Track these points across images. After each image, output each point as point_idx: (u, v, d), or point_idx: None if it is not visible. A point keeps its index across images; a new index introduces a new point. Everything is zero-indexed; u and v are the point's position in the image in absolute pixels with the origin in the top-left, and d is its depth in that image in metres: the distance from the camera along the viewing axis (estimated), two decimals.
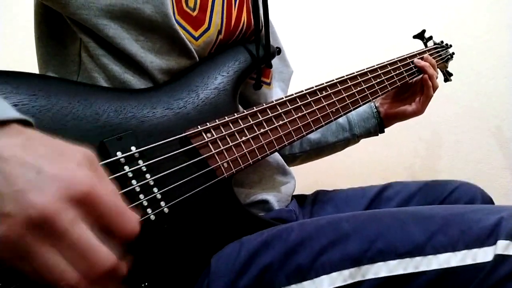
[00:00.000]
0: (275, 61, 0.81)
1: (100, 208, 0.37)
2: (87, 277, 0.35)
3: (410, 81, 0.98)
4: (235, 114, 0.63)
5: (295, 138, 0.69)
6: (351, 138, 1.00)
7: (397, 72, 0.92)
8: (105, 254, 0.36)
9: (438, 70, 1.06)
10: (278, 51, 0.79)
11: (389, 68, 0.91)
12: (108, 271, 0.36)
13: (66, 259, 0.35)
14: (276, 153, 0.78)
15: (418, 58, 0.99)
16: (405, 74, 0.95)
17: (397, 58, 0.95)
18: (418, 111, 0.99)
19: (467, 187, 0.84)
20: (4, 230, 0.33)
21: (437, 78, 1.01)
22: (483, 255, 0.47)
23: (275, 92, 0.87)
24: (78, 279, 0.35)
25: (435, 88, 0.99)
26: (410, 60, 0.97)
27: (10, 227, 0.33)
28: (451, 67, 1.20)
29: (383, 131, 1.02)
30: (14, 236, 0.33)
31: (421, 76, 0.98)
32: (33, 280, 0.35)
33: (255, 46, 0.72)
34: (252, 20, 0.74)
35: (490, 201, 0.83)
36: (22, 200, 0.33)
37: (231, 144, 0.61)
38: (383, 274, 0.49)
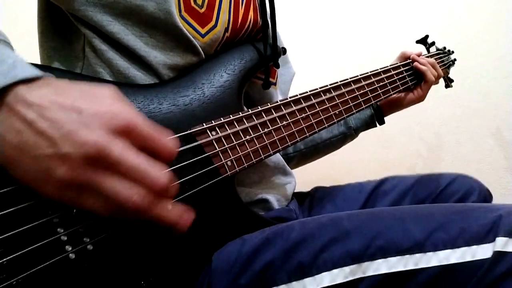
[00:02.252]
0: None
1: (142, 133, 0.40)
2: (150, 193, 0.39)
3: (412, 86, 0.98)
4: (240, 112, 0.63)
5: (298, 139, 0.69)
6: (347, 132, 0.98)
7: (400, 76, 0.93)
8: (161, 170, 0.40)
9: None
10: (284, 50, 0.80)
11: (392, 73, 0.91)
12: (166, 186, 0.40)
13: (128, 183, 0.38)
14: (277, 154, 0.79)
15: (416, 62, 0.99)
16: (407, 79, 0.96)
17: (400, 63, 0.96)
18: (419, 97, 0.99)
19: (464, 179, 0.84)
20: (66, 169, 0.36)
21: (439, 78, 1.02)
22: (482, 252, 0.47)
23: (279, 93, 0.87)
24: (144, 193, 0.39)
25: (434, 76, 1.00)
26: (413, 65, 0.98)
27: (70, 166, 0.36)
28: (452, 67, 1.20)
29: (383, 122, 1.01)
30: (75, 173, 0.37)
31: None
32: (101, 212, 0.39)
33: (262, 45, 0.72)
34: (259, 18, 0.74)
35: (488, 193, 0.83)
36: (74, 140, 0.36)
37: (235, 142, 0.61)
38: (383, 270, 0.49)
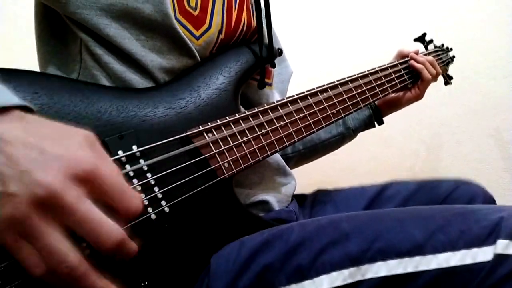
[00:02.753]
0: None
1: (104, 185, 0.37)
2: (95, 252, 0.36)
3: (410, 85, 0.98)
4: (237, 114, 0.63)
5: (295, 139, 0.69)
6: (346, 133, 0.98)
7: (398, 74, 0.93)
8: (113, 227, 0.37)
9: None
10: (280, 52, 0.79)
11: (390, 71, 0.91)
12: (117, 244, 0.37)
13: (69, 241, 0.35)
14: (277, 154, 0.78)
15: (413, 61, 0.98)
16: (405, 77, 0.95)
17: (397, 61, 0.96)
18: (417, 96, 0.99)
19: (468, 185, 0.84)
20: (10, 210, 0.33)
21: (438, 76, 1.02)
22: (483, 254, 0.47)
23: (275, 94, 0.87)
24: (80, 261, 0.36)
25: (432, 74, 1.00)
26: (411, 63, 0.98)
27: (16, 206, 0.33)
28: (452, 66, 1.20)
29: (381, 122, 1.01)
30: (20, 215, 0.34)
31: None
32: (30, 268, 0.35)
33: (257, 47, 0.72)
34: (253, 20, 0.74)
35: (492, 200, 0.83)
36: (27, 179, 0.34)
37: (232, 144, 0.61)
38: (382, 273, 0.49)
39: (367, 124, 1.00)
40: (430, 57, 1.01)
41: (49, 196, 0.34)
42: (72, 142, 0.37)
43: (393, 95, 0.98)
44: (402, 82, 0.94)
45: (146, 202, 0.52)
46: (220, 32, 0.69)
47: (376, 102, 0.99)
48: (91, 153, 0.38)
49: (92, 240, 0.36)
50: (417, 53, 1.00)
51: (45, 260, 0.35)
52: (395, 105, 1.00)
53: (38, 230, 0.34)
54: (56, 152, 0.36)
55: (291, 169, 0.94)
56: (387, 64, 0.92)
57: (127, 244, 0.38)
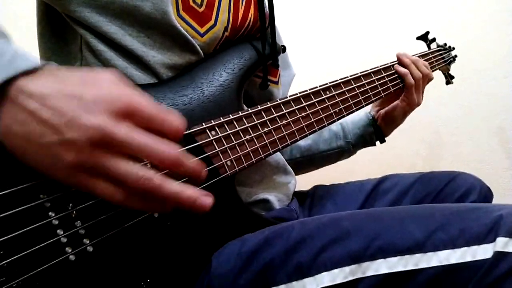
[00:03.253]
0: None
1: (145, 113, 0.40)
2: (161, 169, 0.40)
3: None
4: (240, 112, 0.63)
5: (298, 137, 0.69)
6: (345, 147, 0.96)
7: (396, 75, 0.92)
8: (168, 146, 0.40)
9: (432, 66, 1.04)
10: (283, 48, 0.79)
11: (393, 71, 0.91)
12: (177, 159, 0.40)
13: (137, 162, 0.39)
14: (278, 153, 0.79)
15: (397, 65, 0.93)
16: (398, 80, 0.94)
17: (389, 63, 0.94)
18: (408, 104, 0.93)
19: (464, 177, 0.84)
20: (74, 154, 0.37)
21: (427, 76, 0.96)
22: (483, 252, 0.47)
23: (281, 93, 0.87)
24: (154, 173, 0.39)
25: (426, 79, 0.95)
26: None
27: (77, 151, 0.37)
28: (453, 66, 1.20)
29: (383, 140, 0.98)
30: (84, 157, 0.37)
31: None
32: (111, 197, 0.40)
33: (260, 44, 0.72)
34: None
35: (488, 191, 0.83)
36: (78, 125, 0.37)
37: (235, 142, 0.61)
38: (383, 271, 0.49)
39: (368, 141, 0.98)
40: (414, 58, 0.95)
41: (103, 135, 0.37)
42: (104, 82, 0.40)
43: (386, 108, 0.96)
44: (396, 85, 0.92)
45: None
46: (225, 29, 0.69)
47: (378, 121, 0.97)
48: (123, 88, 0.41)
49: (155, 161, 0.39)
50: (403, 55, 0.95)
51: (123, 185, 0.39)
52: (392, 119, 0.96)
53: (105, 164, 0.38)
54: (94, 94, 0.39)
55: None
56: (390, 63, 0.92)
57: (186, 159, 0.41)
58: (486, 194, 0.82)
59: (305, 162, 0.98)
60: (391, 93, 0.93)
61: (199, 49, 0.66)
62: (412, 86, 0.92)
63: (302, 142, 0.96)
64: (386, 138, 0.99)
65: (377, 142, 0.99)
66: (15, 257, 0.41)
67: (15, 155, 0.39)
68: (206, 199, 0.42)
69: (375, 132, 0.97)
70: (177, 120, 0.42)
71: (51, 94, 0.38)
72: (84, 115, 0.37)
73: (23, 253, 0.41)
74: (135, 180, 0.38)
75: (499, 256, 0.46)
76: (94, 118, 0.37)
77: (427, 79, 0.97)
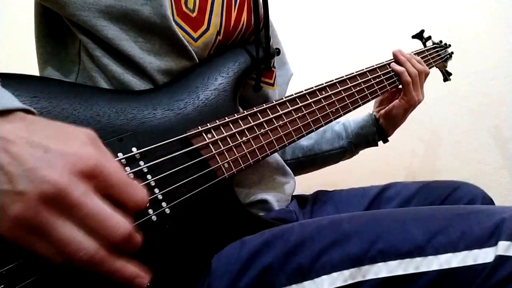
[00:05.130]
0: (274, 64, 0.81)
1: (109, 179, 0.38)
2: (105, 245, 0.37)
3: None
4: (235, 114, 0.63)
5: (295, 138, 0.69)
6: (347, 147, 0.96)
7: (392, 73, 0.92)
8: (121, 221, 0.38)
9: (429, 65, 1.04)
10: (278, 52, 0.79)
11: (389, 69, 0.91)
12: (125, 237, 0.38)
13: (82, 231, 0.36)
14: (276, 154, 0.78)
15: (393, 63, 0.93)
16: (395, 78, 0.94)
17: (385, 61, 0.94)
18: (407, 102, 0.92)
19: (468, 188, 0.84)
20: (19, 208, 0.34)
21: (423, 73, 0.96)
22: (484, 256, 0.47)
23: (277, 95, 0.87)
24: (97, 247, 0.37)
25: (422, 75, 0.94)
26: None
27: (25, 204, 0.34)
28: (451, 66, 1.20)
29: (386, 140, 0.98)
30: (29, 212, 0.34)
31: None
32: (50, 259, 0.37)
33: (254, 47, 0.72)
34: (252, 20, 0.74)
35: (491, 202, 0.83)
36: (34, 177, 0.34)
37: (231, 144, 0.61)
38: (383, 274, 0.49)
39: (370, 141, 0.97)
40: (408, 55, 0.95)
41: (57, 192, 0.35)
42: (75, 140, 0.38)
43: (386, 107, 0.96)
44: (392, 84, 0.92)
45: (147, 204, 0.52)
46: (218, 33, 0.69)
47: (380, 121, 0.97)
48: (94, 149, 0.39)
49: (101, 234, 0.37)
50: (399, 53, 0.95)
51: (62, 251, 0.36)
52: (392, 118, 0.95)
53: (50, 224, 0.35)
54: (61, 149, 0.36)
55: None
56: (386, 61, 0.92)
57: (134, 237, 0.39)
58: (488, 204, 0.81)
59: (307, 162, 0.98)
60: (390, 92, 0.93)
61: (194, 54, 0.66)
62: (409, 83, 0.91)
63: (305, 142, 0.97)
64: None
65: (380, 142, 0.99)
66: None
67: None
68: (143, 279, 0.41)
69: (378, 132, 0.97)
70: (141, 193, 0.40)
71: (16, 140, 0.35)
72: (44, 168, 0.35)
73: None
74: (75, 250, 0.36)
75: (500, 260, 0.46)
76: (52, 172, 0.35)
77: (424, 75, 0.96)
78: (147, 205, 0.41)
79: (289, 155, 0.98)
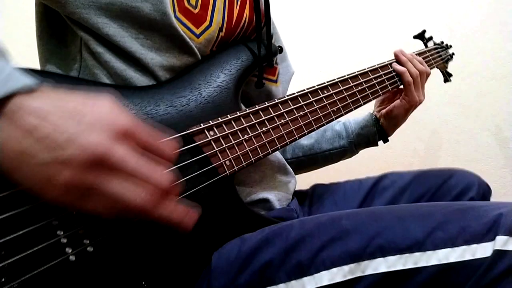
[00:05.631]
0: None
1: (142, 138, 0.41)
2: (154, 194, 0.40)
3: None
4: (238, 112, 0.63)
5: (296, 136, 0.69)
6: (347, 147, 0.96)
7: (393, 74, 0.92)
8: (163, 171, 0.41)
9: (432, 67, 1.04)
10: (280, 49, 0.79)
11: (390, 69, 0.91)
12: (170, 185, 0.41)
13: (132, 184, 0.39)
14: (277, 152, 0.79)
15: (395, 63, 0.93)
16: (396, 79, 0.94)
17: (387, 61, 0.94)
18: (408, 102, 0.92)
19: (463, 174, 0.84)
20: (68, 174, 0.37)
21: (425, 73, 0.97)
22: (482, 250, 0.47)
23: (280, 91, 0.87)
24: (149, 194, 0.40)
25: (424, 76, 0.94)
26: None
27: (73, 170, 0.37)
28: (451, 66, 1.20)
29: (386, 140, 0.98)
30: (78, 177, 0.37)
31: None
32: (107, 215, 0.40)
33: (257, 45, 0.72)
34: (254, 16, 0.74)
35: (487, 188, 0.83)
36: (75, 145, 0.37)
37: (233, 142, 0.61)
38: (382, 269, 0.49)
39: (371, 141, 0.97)
40: (409, 55, 0.95)
41: (100, 155, 0.37)
42: (103, 105, 0.41)
43: (387, 107, 0.96)
44: (393, 83, 0.92)
45: None
46: (220, 29, 0.69)
47: (381, 121, 0.97)
48: (122, 113, 0.41)
49: (149, 183, 0.40)
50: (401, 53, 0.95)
51: (118, 204, 0.39)
52: (393, 118, 0.95)
53: (100, 184, 0.38)
54: (94, 114, 0.39)
55: None
56: (387, 61, 0.92)
57: (175, 187, 0.43)
58: (484, 191, 0.82)
59: (308, 161, 0.98)
60: (391, 92, 0.93)
61: (196, 50, 0.66)
62: (411, 83, 0.91)
63: (305, 141, 0.96)
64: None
65: (380, 142, 0.99)
66: (16, 257, 0.40)
67: (5, 173, 0.38)
68: (194, 214, 0.44)
69: (378, 132, 0.96)
70: (171, 143, 0.44)
71: (51, 111, 0.38)
72: (84, 133, 0.37)
73: (23, 254, 0.41)
74: (130, 198, 0.39)
75: (498, 254, 0.46)
76: (93, 137, 0.37)
77: (425, 75, 0.96)
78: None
79: (290, 154, 0.98)
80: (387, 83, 0.89)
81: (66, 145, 0.37)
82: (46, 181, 0.37)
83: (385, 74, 0.89)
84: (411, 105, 0.93)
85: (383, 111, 0.96)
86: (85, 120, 0.38)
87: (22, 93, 0.38)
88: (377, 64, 0.89)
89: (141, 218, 0.41)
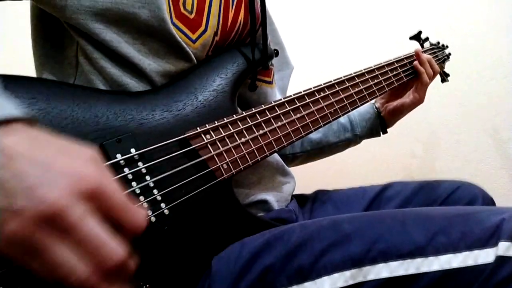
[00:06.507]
0: (274, 59, 0.81)
1: (108, 202, 0.37)
2: (97, 271, 0.36)
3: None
4: (234, 115, 0.63)
5: (294, 139, 0.69)
6: (352, 139, 0.99)
7: (395, 73, 0.93)
8: (116, 247, 0.37)
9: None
10: (276, 52, 0.79)
11: (387, 69, 0.91)
12: (118, 264, 0.37)
13: (76, 254, 0.35)
14: (275, 154, 0.78)
15: (416, 62, 0.97)
16: (402, 75, 0.95)
17: (393, 59, 0.95)
18: (417, 101, 0.97)
19: (468, 187, 0.84)
20: (16, 226, 0.33)
21: (436, 75, 1.01)
22: (485, 256, 0.47)
23: (276, 92, 0.87)
24: (89, 273, 0.35)
25: (430, 75, 0.98)
26: (408, 61, 0.97)
27: (21, 222, 0.33)
28: (451, 67, 1.20)
29: (386, 132, 1.02)
30: (25, 231, 0.33)
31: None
32: (42, 278, 0.36)
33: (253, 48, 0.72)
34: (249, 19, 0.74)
35: (491, 202, 0.83)
36: (33, 196, 0.33)
37: (230, 145, 0.61)
38: (384, 275, 0.49)
39: (374, 133, 1.01)
40: (429, 56, 1.00)
41: (55, 213, 0.34)
42: (77, 159, 0.37)
43: (394, 103, 0.99)
44: (399, 80, 0.93)
45: (146, 205, 0.52)
46: (215, 34, 0.69)
47: (382, 113, 1.00)
48: (96, 170, 0.37)
49: (95, 260, 0.36)
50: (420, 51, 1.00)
51: (54, 273, 0.35)
52: (398, 113, 1.00)
53: (44, 245, 0.34)
54: (62, 169, 0.35)
55: (296, 166, 0.95)
56: (384, 62, 0.92)
57: (128, 264, 0.38)
58: (489, 204, 0.82)
59: (315, 153, 1.01)
60: (396, 88, 0.95)
61: (192, 56, 0.66)
62: (428, 84, 0.96)
63: (313, 135, 0.98)
64: (383, 138, 1.02)
65: (380, 143, 1.01)
66: None
67: None
68: None
69: (380, 124, 1.00)
70: (139, 218, 0.39)
71: (17, 156, 0.34)
72: (43, 186, 0.34)
73: None
74: (67, 274, 0.35)
75: (501, 260, 0.46)
76: (53, 191, 0.34)
77: (434, 76, 1.01)
78: (144, 230, 0.39)
79: (299, 148, 1.00)
80: (393, 79, 0.91)
81: (20, 195, 0.33)
82: None
83: (381, 75, 0.89)
84: (419, 103, 0.98)
85: (390, 107, 0.99)
86: (52, 171, 0.35)
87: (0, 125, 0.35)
88: (374, 66, 0.89)
89: None
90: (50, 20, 0.63)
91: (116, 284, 0.38)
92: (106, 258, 0.36)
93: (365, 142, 1.03)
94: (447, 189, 0.83)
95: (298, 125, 0.70)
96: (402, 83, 0.94)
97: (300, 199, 0.89)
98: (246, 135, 0.63)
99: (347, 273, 0.50)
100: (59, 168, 0.35)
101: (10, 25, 1.41)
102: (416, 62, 0.97)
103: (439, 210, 0.56)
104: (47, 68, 0.64)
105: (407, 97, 0.98)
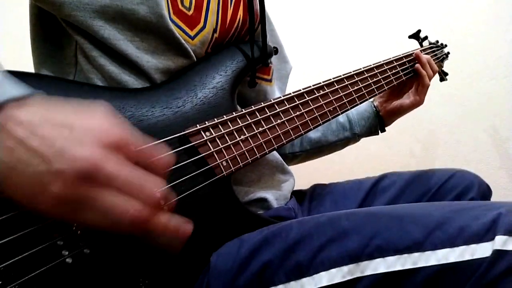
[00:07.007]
0: (273, 59, 0.81)
1: (135, 147, 0.40)
2: (147, 205, 0.39)
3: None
4: (234, 112, 0.63)
5: (293, 137, 0.69)
6: (351, 138, 0.99)
7: (394, 71, 0.93)
8: (156, 181, 0.40)
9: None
10: (276, 50, 0.79)
11: (386, 68, 0.91)
12: (162, 196, 0.40)
13: (124, 196, 0.38)
14: (275, 152, 0.78)
15: (418, 65, 0.98)
16: (401, 74, 0.95)
17: (393, 57, 0.96)
18: (417, 103, 0.98)
19: (463, 174, 0.84)
20: (59, 186, 0.36)
21: (435, 74, 1.02)
22: (482, 250, 0.47)
23: (275, 90, 0.87)
24: (141, 207, 0.38)
25: (430, 77, 0.99)
26: (407, 60, 0.98)
27: (64, 184, 0.36)
28: (450, 66, 1.20)
29: (384, 130, 1.02)
30: (70, 191, 0.36)
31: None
32: (98, 227, 0.38)
33: (253, 45, 0.72)
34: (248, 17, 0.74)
35: (487, 188, 0.83)
36: (67, 157, 0.36)
37: (230, 142, 0.61)
38: (381, 270, 0.49)
39: (372, 132, 1.01)
40: (428, 57, 1.00)
41: (91, 167, 0.36)
42: (95, 115, 0.40)
43: (393, 103, 0.99)
44: (398, 79, 0.94)
45: None
46: (214, 31, 0.69)
47: (381, 112, 1.01)
48: (114, 121, 0.40)
49: (141, 196, 0.39)
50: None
51: (109, 217, 0.38)
52: (397, 113, 1.00)
53: (92, 197, 0.37)
54: (85, 126, 0.38)
55: (296, 164, 0.95)
56: (383, 61, 0.92)
57: (169, 195, 0.42)
58: (484, 191, 0.82)
59: (315, 152, 1.01)
60: (395, 87, 0.95)
61: (192, 52, 0.66)
62: (429, 86, 0.97)
63: (312, 135, 0.99)
64: (382, 137, 1.03)
65: (379, 141, 1.01)
66: (13, 260, 0.40)
67: None
68: (187, 227, 0.42)
69: (379, 123, 1.01)
70: (165, 156, 0.42)
71: (40, 122, 0.37)
72: (74, 146, 0.36)
73: (20, 256, 0.41)
74: (122, 212, 0.38)
75: (498, 254, 0.46)
76: (83, 149, 0.36)
77: (433, 75, 1.02)
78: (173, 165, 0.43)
79: (298, 147, 1.00)
80: (392, 78, 0.91)
81: (55, 158, 0.36)
82: (36, 193, 0.36)
83: (380, 73, 0.89)
84: (419, 105, 0.99)
85: (389, 106, 1.00)
86: (75, 131, 0.37)
87: (13, 102, 0.37)
88: (373, 64, 0.89)
89: (134, 231, 0.39)
90: (49, 19, 0.63)
91: (166, 215, 0.41)
92: (151, 193, 0.39)
93: (364, 141, 1.03)
94: (442, 177, 0.83)
95: (298, 123, 0.70)
96: (401, 81, 0.95)
97: (297, 195, 0.89)
98: (246, 132, 0.63)
99: (345, 268, 0.50)
100: (82, 126, 0.38)
101: (10, 25, 1.41)
102: (418, 65, 0.97)
103: (436, 205, 0.56)
104: (46, 67, 0.65)
105: (407, 98, 0.99)
